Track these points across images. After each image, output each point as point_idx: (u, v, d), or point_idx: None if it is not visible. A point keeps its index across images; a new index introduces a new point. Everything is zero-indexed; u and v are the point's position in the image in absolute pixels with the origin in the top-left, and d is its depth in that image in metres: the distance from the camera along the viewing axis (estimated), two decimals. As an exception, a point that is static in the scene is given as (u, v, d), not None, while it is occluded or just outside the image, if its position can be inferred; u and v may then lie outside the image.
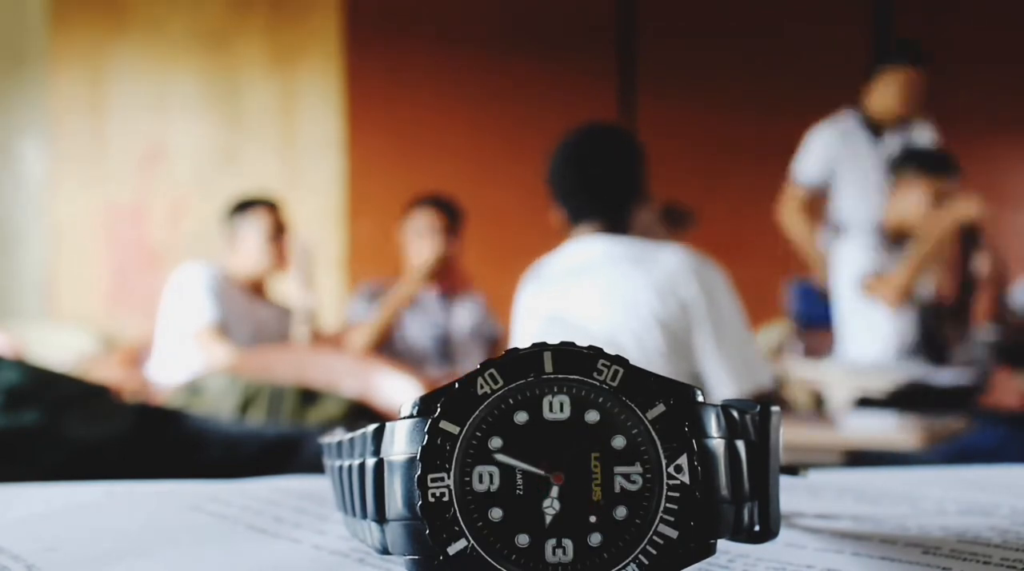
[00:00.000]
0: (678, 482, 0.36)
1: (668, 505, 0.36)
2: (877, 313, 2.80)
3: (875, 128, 3.10)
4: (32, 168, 4.46)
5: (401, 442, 0.37)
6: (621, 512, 0.36)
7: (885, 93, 3.07)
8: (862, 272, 2.86)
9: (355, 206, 4.26)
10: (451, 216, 3.06)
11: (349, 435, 0.43)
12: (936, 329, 2.78)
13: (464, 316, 3.06)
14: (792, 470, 0.54)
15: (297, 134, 4.31)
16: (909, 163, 2.85)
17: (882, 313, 2.79)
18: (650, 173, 1.98)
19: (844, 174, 3.09)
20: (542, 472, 0.36)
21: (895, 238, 2.86)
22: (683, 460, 0.36)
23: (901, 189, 2.82)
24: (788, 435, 1.96)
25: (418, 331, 2.98)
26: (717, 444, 0.37)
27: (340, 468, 0.44)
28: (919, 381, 2.58)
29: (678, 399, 0.37)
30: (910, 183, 2.79)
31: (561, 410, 0.36)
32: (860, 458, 1.92)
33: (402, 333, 2.96)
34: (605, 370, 0.36)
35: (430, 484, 0.35)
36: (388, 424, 0.38)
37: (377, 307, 2.93)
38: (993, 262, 2.98)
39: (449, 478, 0.35)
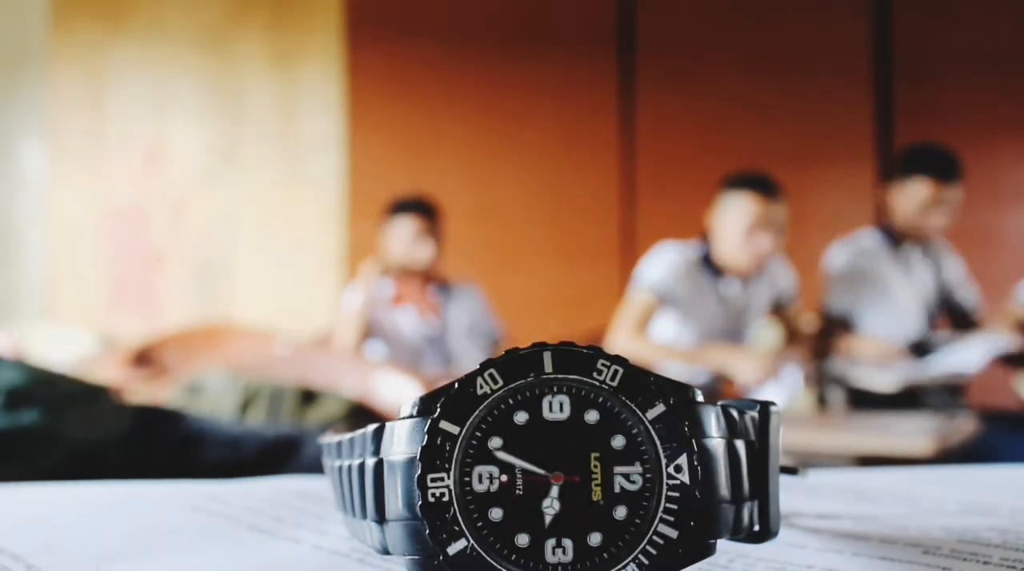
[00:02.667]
0: (678, 482, 0.36)
1: (668, 505, 0.36)
2: None
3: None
4: (32, 168, 4.46)
5: (401, 442, 0.37)
6: (621, 512, 0.36)
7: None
8: None
9: (355, 206, 4.26)
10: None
11: (349, 435, 0.43)
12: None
13: (459, 310, 3.06)
14: (792, 470, 0.54)
15: (297, 134, 4.31)
16: (914, 162, 2.79)
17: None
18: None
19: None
20: (542, 472, 0.36)
21: (899, 239, 2.82)
22: (683, 460, 0.36)
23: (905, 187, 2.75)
24: (791, 440, 1.94)
25: (411, 329, 2.98)
26: (717, 444, 0.37)
27: (340, 468, 0.44)
28: (916, 381, 2.57)
29: (678, 399, 0.37)
30: (915, 182, 2.72)
31: (561, 410, 0.36)
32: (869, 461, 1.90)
33: (397, 331, 2.96)
34: (605, 370, 0.36)
35: (430, 484, 0.35)
36: (388, 424, 0.38)
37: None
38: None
39: (449, 478, 0.35)
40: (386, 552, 0.38)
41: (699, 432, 0.37)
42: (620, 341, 2.65)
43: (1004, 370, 2.79)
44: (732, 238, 2.69)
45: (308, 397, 2.24)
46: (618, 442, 0.36)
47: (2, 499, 0.64)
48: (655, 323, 2.76)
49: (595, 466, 0.36)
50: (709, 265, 2.76)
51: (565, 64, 4.45)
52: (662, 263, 2.76)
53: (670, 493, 0.36)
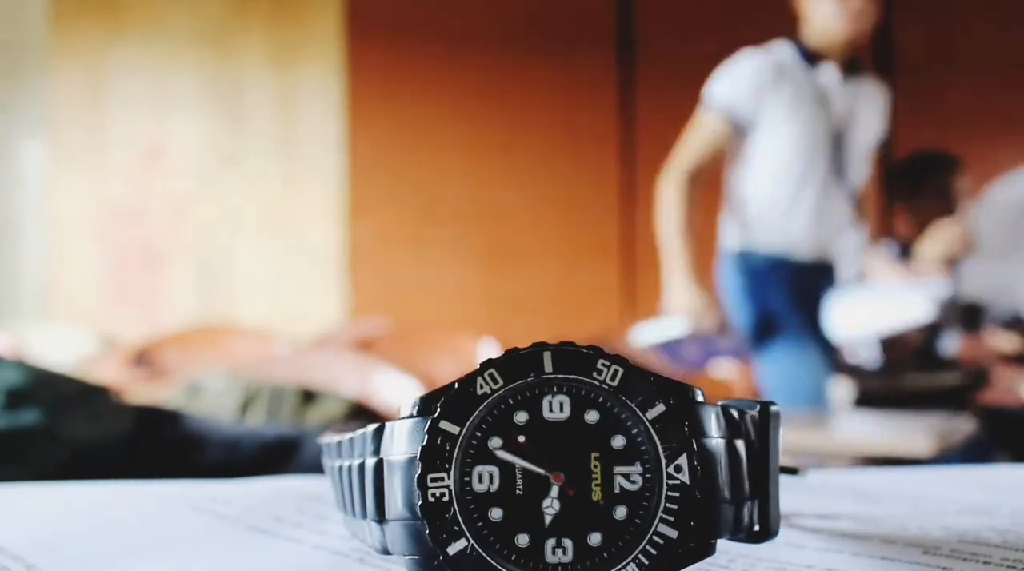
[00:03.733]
0: (678, 482, 0.36)
1: (668, 505, 0.36)
2: None
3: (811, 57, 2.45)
4: (32, 168, 4.46)
5: (401, 442, 0.37)
6: (621, 512, 0.36)
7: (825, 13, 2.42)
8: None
9: (355, 206, 4.26)
10: None
11: (349, 435, 0.43)
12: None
13: None
14: (792, 470, 0.54)
15: (297, 134, 4.31)
16: (919, 163, 2.76)
17: None
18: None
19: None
20: (542, 471, 0.36)
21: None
22: (683, 460, 0.36)
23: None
24: (786, 439, 1.95)
25: None
26: (717, 444, 0.37)
27: (340, 468, 0.44)
28: (920, 383, 2.57)
29: (678, 399, 0.37)
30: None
31: (561, 410, 0.36)
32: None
33: None
34: (605, 370, 0.36)
35: (430, 484, 0.35)
36: (388, 424, 0.38)
37: None
38: None
39: (449, 478, 0.35)
40: (386, 552, 0.38)
41: (699, 432, 0.37)
42: (666, 191, 2.28)
43: (1006, 369, 2.79)
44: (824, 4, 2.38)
45: (308, 397, 2.24)
46: (618, 442, 0.36)
47: (2, 499, 0.64)
48: (735, 177, 2.39)
49: (595, 466, 0.36)
50: (801, 53, 2.43)
51: (565, 64, 4.45)
52: (740, 73, 2.36)
53: (670, 493, 0.36)
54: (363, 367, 2.31)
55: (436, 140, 4.37)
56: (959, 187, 2.69)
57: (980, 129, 4.54)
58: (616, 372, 0.36)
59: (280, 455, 1.40)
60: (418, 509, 0.35)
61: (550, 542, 0.36)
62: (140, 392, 2.42)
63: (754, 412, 0.41)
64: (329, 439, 0.48)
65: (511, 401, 0.36)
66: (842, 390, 2.71)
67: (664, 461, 0.36)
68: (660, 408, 0.36)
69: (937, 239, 2.52)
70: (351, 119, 4.28)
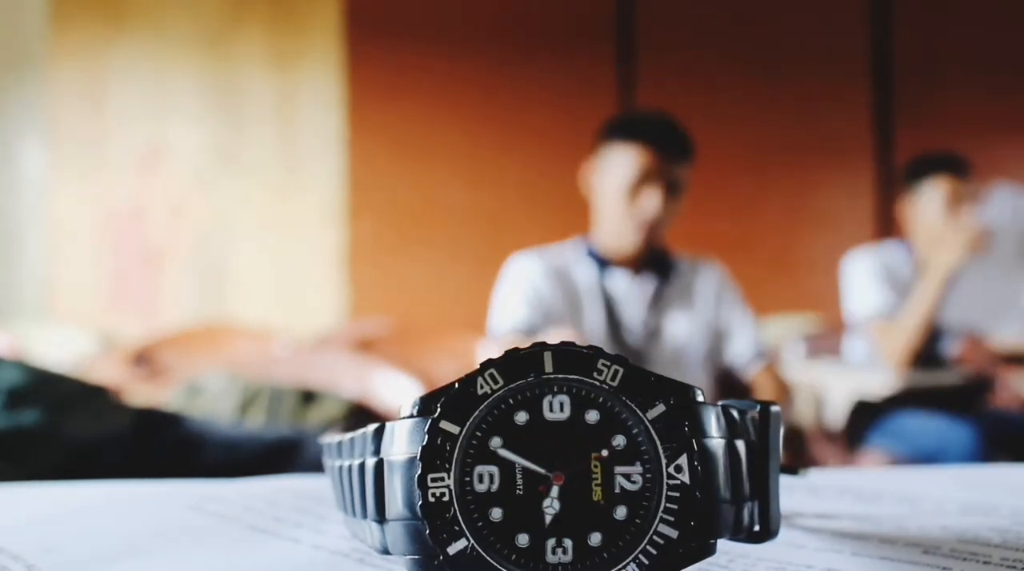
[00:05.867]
0: (678, 482, 0.36)
1: (668, 505, 0.36)
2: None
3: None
4: (32, 168, 4.46)
5: (401, 442, 0.37)
6: (621, 512, 0.36)
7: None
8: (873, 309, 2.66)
9: (355, 206, 4.26)
10: None
11: (349, 435, 0.43)
12: None
13: None
14: (792, 470, 0.54)
15: (297, 134, 4.31)
16: (925, 166, 2.73)
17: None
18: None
19: None
20: (542, 471, 0.36)
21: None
22: (683, 460, 0.36)
23: (918, 195, 2.67)
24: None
25: None
26: (717, 444, 0.37)
27: (340, 468, 0.44)
28: (919, 382, 2.56)
29: (678, 399, 0.37)
30: (928, 187, 2.65)
31: (561, 410, 0.36)
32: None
33: None
34: (605, 370, 0.36)
35: (430, 484, 0.35)
36: (388, 424, 0.38)
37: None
38: None
39: (449, 478, 0.35)
40: (386, 552, 0.38)
41: (699, 432, 0.37)
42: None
43: (1008, 372, 2.78)
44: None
45: (308, 398, 2.23)
46: (618, 442, 0.36)
47: (2, 499, 0.64)
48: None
49: (595, 466, 0.36)
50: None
51: (565, 64, 4.45)
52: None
53: (670, 493, 0.36)
54: (363, 367, 2.31)
55: (436, 140, 4.37)
56: (964, 189, 2.67)
57: (979, 131, 4.54)
58: (616, 372, 0.36)
59: (280, 457, 1.40)
60: (418, 509, 0.35)
61: (550, 542, 0.36)
62: (139, 392, 2.42)
63: (754, 412, 0.41)
64: (329, 439, 0.48)
65: (511, 401, 0.36)
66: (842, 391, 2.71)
67: (664, 461, 0.36)
68: (660, 408, 0.36)
69: (952, 241, 2.50)
70: (351, 119, 4.27)
